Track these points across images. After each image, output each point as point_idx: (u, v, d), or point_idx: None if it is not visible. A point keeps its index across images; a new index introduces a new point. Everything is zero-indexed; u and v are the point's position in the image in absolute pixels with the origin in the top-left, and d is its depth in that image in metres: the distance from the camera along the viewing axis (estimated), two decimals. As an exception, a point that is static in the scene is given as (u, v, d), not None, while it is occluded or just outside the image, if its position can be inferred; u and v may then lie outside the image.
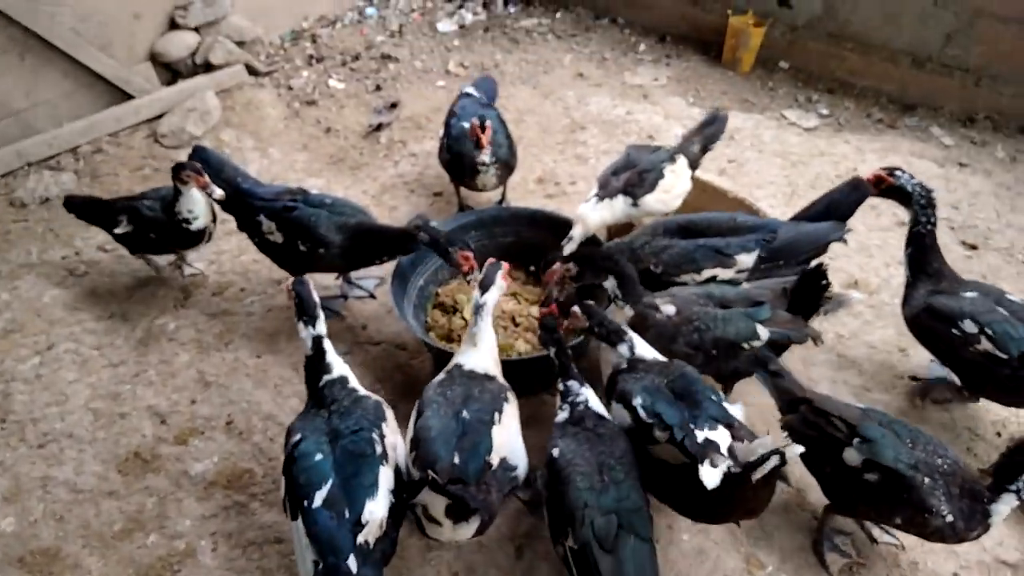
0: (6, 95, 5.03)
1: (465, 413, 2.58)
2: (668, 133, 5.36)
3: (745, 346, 2.91)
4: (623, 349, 2.76)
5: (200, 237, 3.87)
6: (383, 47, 6.55)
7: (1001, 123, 5.33)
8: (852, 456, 2.50)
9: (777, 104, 5.76)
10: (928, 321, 3.13)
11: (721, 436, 2.36)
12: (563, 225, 3.71)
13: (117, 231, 3.92)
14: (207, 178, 3.59)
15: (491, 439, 2.51)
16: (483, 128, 4.04)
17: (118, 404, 3.57)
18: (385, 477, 2.46)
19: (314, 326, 2.79)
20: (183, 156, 5.16)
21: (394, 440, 2.64)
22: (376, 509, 2.37)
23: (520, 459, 2.65)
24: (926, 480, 2.41)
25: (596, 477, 2.44)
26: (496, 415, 2.60)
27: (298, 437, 2.57)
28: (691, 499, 2.43)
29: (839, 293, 3.02)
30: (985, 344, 2.94)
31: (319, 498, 2.36)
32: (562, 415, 2.70)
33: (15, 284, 4.29)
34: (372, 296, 4.10)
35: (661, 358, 2.76)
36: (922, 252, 3.22)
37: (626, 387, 2.63)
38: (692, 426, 2.38)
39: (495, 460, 2.49)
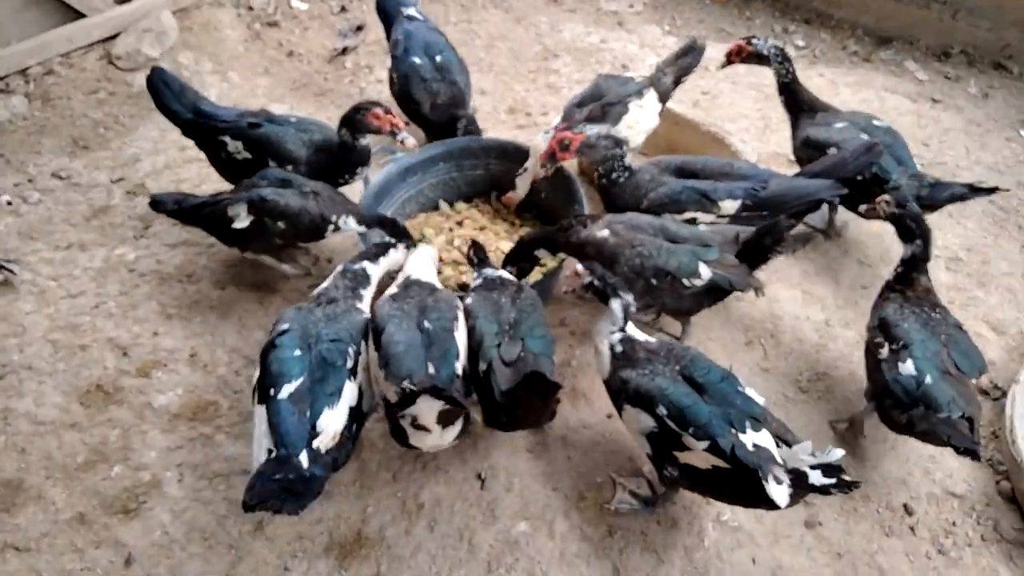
0: (-52, 11, 4.76)
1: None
2: (643, 62, 5.24)
3: (686, 282, 2.93)
4: (616, 306, 2.62)
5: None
6: (349, -35, 6.27)
7: (976, 58, 5.30)
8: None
9: (753, 34, 5.64)
10: (804, 151, 3.62)
11: (765, 439, 2.27)
12: (533, 157, 3.62)
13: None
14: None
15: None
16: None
17: (78, 336, 3.51)
18: (349, 391, 2.53)
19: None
20: (139, 79, 5.00)
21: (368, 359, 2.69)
22: (332, 420, 2.43)
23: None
24: None
25: (503, 316, 2.75)
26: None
27: (285, 327, 2.63)
28: (736, 495, 2.38)
29: (805, 231, 3.03)
30: None
31: (286, 391, 2.43)
32: (475, 283, 3.03)
33: (-34, 212, 4.15)
34: None
35: (652, 340, 2.66)
36: (792, 96, 3.79)
37: (640, 389, 2.48)
38: (733, 429, 2.27)
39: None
